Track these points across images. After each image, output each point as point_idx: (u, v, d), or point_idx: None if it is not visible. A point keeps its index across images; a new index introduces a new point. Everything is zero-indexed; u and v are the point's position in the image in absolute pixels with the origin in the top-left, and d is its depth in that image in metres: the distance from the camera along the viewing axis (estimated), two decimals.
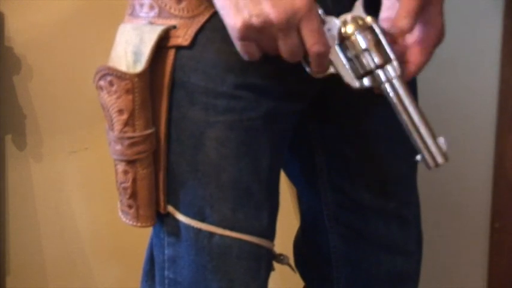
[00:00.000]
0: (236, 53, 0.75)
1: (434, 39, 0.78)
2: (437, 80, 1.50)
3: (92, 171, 1.51)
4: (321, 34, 0.72)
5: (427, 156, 0.76)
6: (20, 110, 1.47)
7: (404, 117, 0.76)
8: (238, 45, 0.72)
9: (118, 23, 0.83)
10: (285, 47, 0.71)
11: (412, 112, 0.76)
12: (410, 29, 0.74)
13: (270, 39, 0.71)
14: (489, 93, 1.51)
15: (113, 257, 1.58)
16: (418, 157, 0.77)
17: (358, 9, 0.75)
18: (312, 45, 0.71)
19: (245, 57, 0.73)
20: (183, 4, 0.76)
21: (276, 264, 0.92)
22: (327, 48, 0.73)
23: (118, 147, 0.78)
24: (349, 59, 0.75)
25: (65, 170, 1.52)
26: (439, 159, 0.76)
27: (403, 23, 0.73)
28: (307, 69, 0.76)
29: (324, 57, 0.74)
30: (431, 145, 0.76)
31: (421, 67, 0.79)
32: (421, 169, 1.03)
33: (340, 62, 0.75)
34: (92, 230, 1.55)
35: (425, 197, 1.09)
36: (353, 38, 0.74)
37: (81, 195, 1.54)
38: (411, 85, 0.91)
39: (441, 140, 0.76)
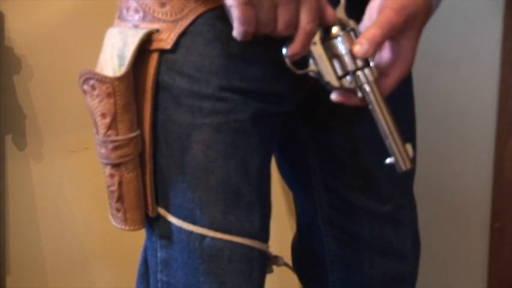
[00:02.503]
0: (220, 57, 0.76)
1: (401, 72, 0.78)
2: (438, 80, 1.50)
3: (92, 171, 1.50)
4: (317, 16, 0.72)
5: (399, 159, 0.78)
6: (20, 110, 1.47)
7: (382, 120, 0.77)
8: (239, 10, 0.67)
9: None
10: (283, 16, 0.70)
11: (388, 116, 0.77)
12: (365, 56, 0.74)
13: (270, 7, 0.69)
14: (489, 93, 1.51)
15: (113, 257, 1.58)
16: (391, 160, 0.78)
17: (341, 13, 0.76)
18: (308, 22, 0.71)
19: (240, 29, 0.69)
20: (167, 8, 0.77)
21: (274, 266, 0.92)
22: (314, 33, 0.73)
23: (103, 150, 0.78)
24: (330, 59, 0.76)
25: (65, 170, 1.52)
26: (408, 164, 0.78)
27: (357, 49, 0.74)
28: (288, 63, 0.75)
29: (309, 40, 0.73)
30: (402, 150, 0.78)
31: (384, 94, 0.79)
32: (421, 170, 1.03)
33: (322, 60, 0.76)
34: (92, 230, 1.55)
35: (425, 197, 1.09)
36: (338, 38, 0.75)
37: (81, 195, 1.54)
38: (406, 81, 0.91)
39: (409, 147, 0.78)
